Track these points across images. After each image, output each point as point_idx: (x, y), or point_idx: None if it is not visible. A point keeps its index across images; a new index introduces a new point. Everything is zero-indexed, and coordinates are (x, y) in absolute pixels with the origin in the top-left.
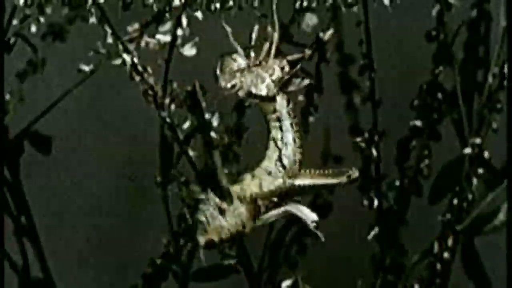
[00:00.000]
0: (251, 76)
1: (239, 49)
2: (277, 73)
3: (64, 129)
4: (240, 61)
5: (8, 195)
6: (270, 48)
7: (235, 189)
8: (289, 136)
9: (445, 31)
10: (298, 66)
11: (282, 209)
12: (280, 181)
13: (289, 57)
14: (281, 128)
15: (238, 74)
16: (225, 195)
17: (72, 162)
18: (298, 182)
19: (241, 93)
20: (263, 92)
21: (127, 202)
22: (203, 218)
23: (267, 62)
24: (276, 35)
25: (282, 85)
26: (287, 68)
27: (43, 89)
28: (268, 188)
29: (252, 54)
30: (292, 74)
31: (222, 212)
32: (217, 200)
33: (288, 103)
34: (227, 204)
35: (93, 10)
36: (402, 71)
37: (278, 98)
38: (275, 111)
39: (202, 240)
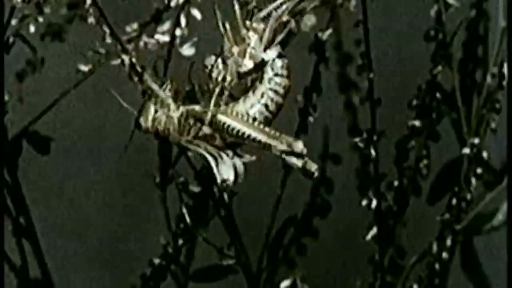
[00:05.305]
0: (232, 62)
1: (226, 39)
2: (253, 39)
3: (63, 129)
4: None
5: (7, 195)
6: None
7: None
8: (259, 91)
9: (443, 31)
10: (273, 18)
11: (204, 150)
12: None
13: (255, 18)
14: (260, 81)
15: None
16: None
17: (71, 162)
18: (225, 120)
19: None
20: (250, 64)
21: (125, 202)
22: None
23: (241, 36)
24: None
25: (266, 44)
26: (261, 26)
27: (42, 89)
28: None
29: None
30: (273, 28)
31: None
32: (166, 95)
33: (280, 56)
34: (173, 103)
35: (91, 10)
36: (400, 71)
37: (266, 52)
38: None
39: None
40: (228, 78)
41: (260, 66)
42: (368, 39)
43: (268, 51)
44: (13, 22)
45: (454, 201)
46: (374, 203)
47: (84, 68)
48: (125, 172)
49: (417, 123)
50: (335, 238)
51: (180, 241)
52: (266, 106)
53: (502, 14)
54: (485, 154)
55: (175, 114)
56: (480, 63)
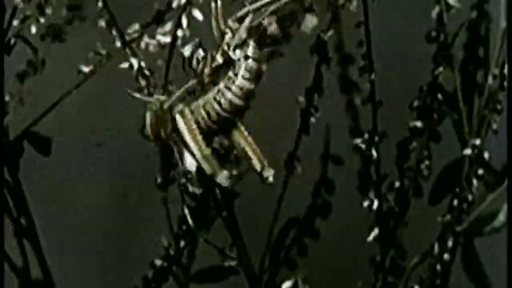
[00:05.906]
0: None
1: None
2: (227, 37)
3: (64, 130)
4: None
5: (8, 195)
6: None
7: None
8: (216, 88)
9: (445, 32)
10: (248, 19)
11: (173, 143)
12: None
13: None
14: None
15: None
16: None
17: (72, 163)
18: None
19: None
20: (221, 61)
21: (127, 203)
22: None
23: (221, 33)
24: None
25: (237, 44)
26: (236, 25)
27: (43, 90)
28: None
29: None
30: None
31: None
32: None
33: (249, 58)
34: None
35: (103, 13)
36: (402, 72)
37: (235, 52)
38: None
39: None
40: (206, 71)
41: (227, 64)
42: (370, 40)
43: (237, 50)
44: (15, 23)
45: (455, 202)
46: (375, 204)
47: (85, 69)
48: (126, 173)
49: (418, 124)
50: (337, 239)
51: (182, 243)
52: (219, 103)
53: (503, 15)
54: (486, 155)
55: (159, 112)
56: (482, 64)
